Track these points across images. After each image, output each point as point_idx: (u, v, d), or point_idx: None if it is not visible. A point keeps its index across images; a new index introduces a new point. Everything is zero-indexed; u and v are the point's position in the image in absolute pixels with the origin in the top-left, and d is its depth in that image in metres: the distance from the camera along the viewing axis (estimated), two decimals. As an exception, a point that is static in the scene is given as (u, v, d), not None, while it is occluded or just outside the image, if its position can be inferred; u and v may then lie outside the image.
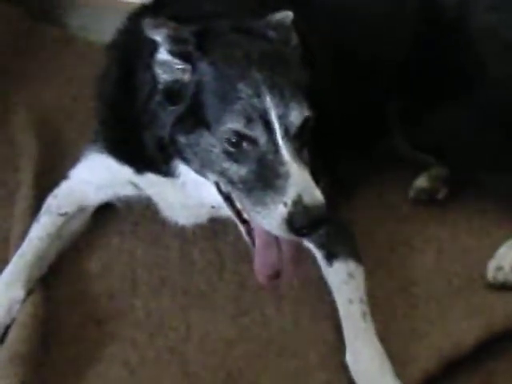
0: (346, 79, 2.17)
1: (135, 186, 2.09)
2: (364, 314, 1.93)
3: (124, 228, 2.21)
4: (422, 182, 2.40)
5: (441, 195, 2.38)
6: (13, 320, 1.89)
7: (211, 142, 1.73)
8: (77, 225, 2.15)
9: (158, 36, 1.75)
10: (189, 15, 1.85)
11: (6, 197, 2.25)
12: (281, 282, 1.77)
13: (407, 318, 2.02)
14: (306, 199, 1.62)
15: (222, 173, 1.75)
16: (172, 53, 1.75)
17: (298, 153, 1.69)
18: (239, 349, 1.94)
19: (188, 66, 1.75)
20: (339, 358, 1.89)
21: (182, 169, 1.90)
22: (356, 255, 2.03)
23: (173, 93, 1.77)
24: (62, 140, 2.46)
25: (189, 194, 1.98)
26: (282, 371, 1.89)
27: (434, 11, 2.30)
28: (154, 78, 1.80)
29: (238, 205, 1.78)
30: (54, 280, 2.04)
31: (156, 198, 2.11)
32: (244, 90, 1.68)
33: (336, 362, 1.90)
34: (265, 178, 1.67)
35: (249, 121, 1.67)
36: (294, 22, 1.86)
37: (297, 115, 1.70)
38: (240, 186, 1.72)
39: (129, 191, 2.13)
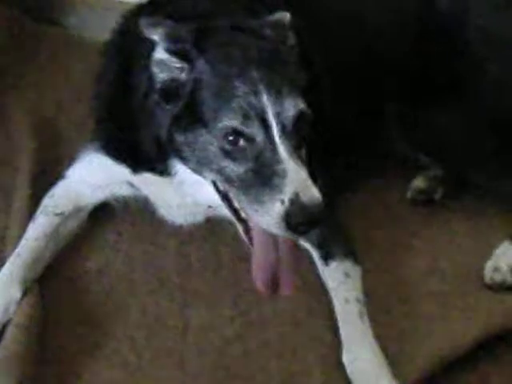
0: (345, 81, 2.17)
1: (132, 185, 2.09)
2: (361, 314, 1.93)
3: (121, 228, 2.20)
4: (419, 182, 2.40)
5: (438, 196, 2.38)
6: (9, 320, 1.88)
7: (208, 140, 1.73)
8: (73, 225, 2.14)
9: (156, 35, 1.75)
10: (184, 14, 1.85)
11: (3, 196, 2.24)
12: (279, 293, 1.75)
13: (404, 318, 2.02)
14: (303, 197, 1.61)
15: (220, 171, 1.74)
16: (169, 51, 1.75)
17: (295, 151, 1.68)
18: (237, 348, 1.93)
19: (185, 65, 1.75)
20: (336, 358, 1.89)
21: (179, 168, 1.89)
22: (353, 255, 2.04)
23: (170, 91, 1.77)
24: (60, 140, 2.45)
25: (186, 193, 1.98)
26: (279, 371, 1.89)
27: (432, 13, 2.31)
28: (150, 77, 1.80)
29: (236, 204, 1.78)
30: (50, 280, 2.03)
31: (153, 198, 2.11)
32: (241, 87, 1.68)
33: (333, 362, 1.90)
34: (262, 176, 1.66)
35: (246, 118, 1.67)
36: (292, 22, 1.86)
37: (291, 108, 1.69)
38: (237, 184, 1.71)
39: (125, 191, 2.12)
